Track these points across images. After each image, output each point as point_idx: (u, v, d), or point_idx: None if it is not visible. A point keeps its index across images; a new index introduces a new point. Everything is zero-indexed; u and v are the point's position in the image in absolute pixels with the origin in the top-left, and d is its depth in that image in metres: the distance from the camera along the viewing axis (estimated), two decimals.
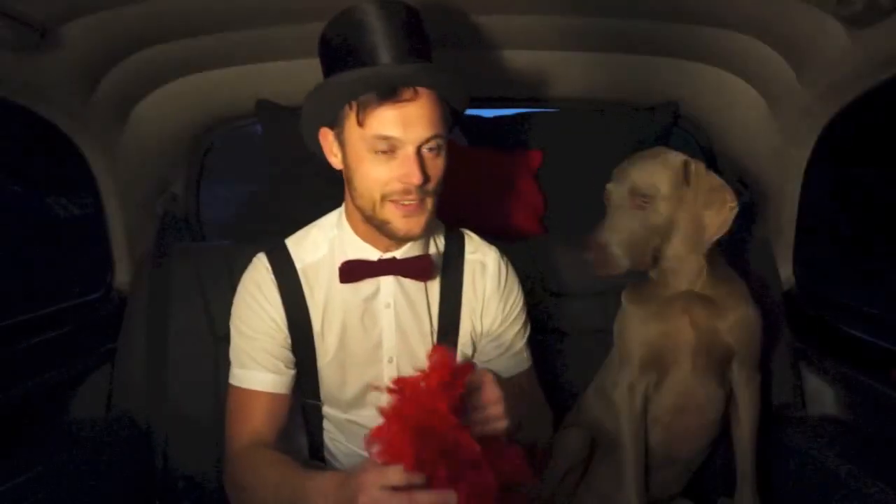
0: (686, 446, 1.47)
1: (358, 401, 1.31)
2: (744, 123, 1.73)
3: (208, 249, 1.90)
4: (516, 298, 1.38)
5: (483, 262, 1.36)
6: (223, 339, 1.70)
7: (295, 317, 1.26)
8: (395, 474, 0.92)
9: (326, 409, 1.35)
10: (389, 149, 1.13)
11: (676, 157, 1.35)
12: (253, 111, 1.88)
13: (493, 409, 1.06)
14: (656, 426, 1.44)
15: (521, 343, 1.39)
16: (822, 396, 1.57)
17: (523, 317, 1.39)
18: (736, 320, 1.39)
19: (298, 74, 1.75)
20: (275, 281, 1.27)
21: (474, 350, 1.37)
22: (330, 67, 1.17)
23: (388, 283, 1.27)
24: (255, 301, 1.27)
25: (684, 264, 1.37)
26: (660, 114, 1.86)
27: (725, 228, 1.33)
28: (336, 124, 1.19)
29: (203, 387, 1.68)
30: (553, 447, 1.46)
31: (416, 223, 1.18)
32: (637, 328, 1.41)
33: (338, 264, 1.25)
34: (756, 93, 1.65)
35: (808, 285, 1.76)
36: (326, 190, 1.77)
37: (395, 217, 1.16)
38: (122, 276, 1.82)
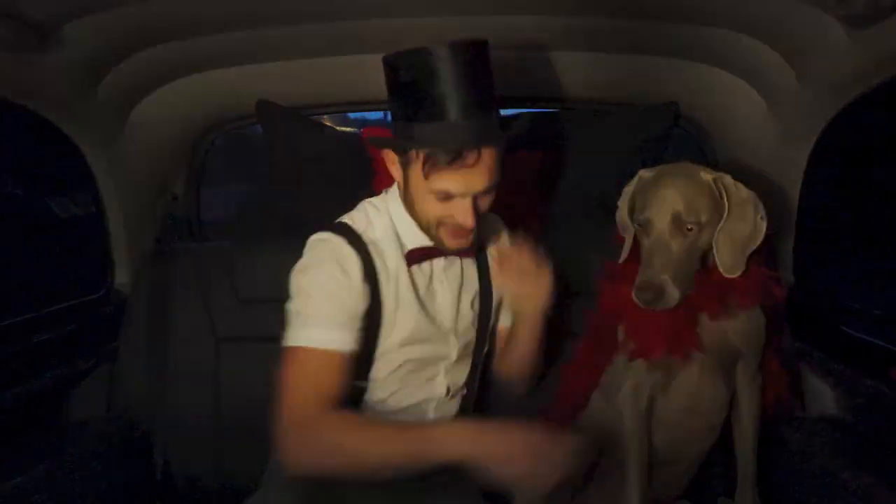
0: (690, 447, 1.47)
1: (412, 382, 1.35)
2: (744, 123, 1.73)
3: (208, 249, 1.90)
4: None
5: (497, 237, 1.48)
6: (223, 339, 1.70)
7: (370, 292, 1.28)
8: (591, 453, 1.07)
9: (368, 393, 1.34)
10: (448, 198, 1.22)
11: (706, 174, 1.30)
12: (253, 111, 1.88)
13: None
14: (661, 427, 1.43)
15: None
16: (822, 396, 1.57)
17: None
18: (743, 321, 1.38)
19: (298, 74, 1.75)
20: (354, 252, 1.27)
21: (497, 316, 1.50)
22: (400, 104, 1.21)
23: (440, 263, 1.36)
24: (339, 270, 1.26)
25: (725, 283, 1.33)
26: (660, 114, 1.86)
27: (759, 240, 1.30)
28: (402, 155, 1.25)
29: (203, 387, 1.68)
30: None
31: (466, 242, 1.29)
32: None
33: (397, 247, 1.32)
34: (756, 93, 1.65)
35: (808, 285, 1.76)
36: (326, 190, 1.78)
37: (447, 238, 1.27)
38: (122, 276, 1.83)
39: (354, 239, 1.29)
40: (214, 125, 2.02)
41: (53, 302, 1.72)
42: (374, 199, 1.39)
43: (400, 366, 1.33)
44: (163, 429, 1.66)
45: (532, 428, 1.12)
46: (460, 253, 1.35)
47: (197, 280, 1.73)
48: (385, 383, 1.34)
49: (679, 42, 1.60)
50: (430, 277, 1.35)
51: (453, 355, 1.38)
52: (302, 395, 1.21)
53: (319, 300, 1.25)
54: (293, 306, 1.26)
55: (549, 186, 1.88)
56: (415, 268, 1.33)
